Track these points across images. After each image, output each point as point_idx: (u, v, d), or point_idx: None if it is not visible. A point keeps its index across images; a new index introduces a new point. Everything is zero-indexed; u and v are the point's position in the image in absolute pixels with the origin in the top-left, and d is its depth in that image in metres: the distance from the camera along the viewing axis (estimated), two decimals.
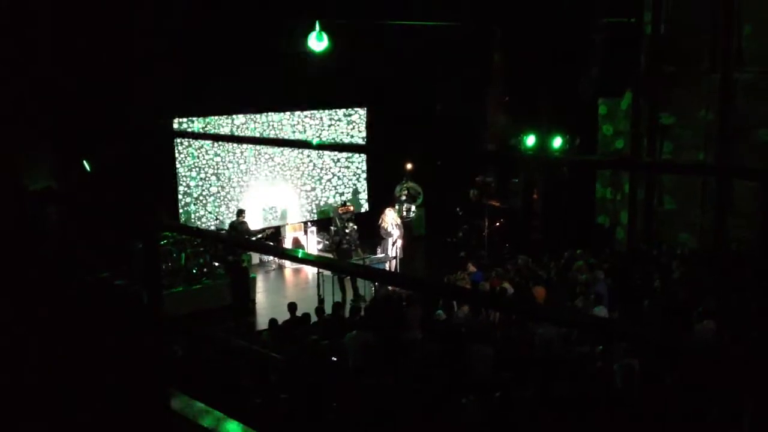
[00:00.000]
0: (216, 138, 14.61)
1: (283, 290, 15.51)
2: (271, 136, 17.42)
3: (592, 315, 8.28)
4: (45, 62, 2.55)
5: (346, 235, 14.96)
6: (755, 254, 13.05)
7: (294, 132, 17.57)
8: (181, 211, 15.90)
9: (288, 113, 17.44)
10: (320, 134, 17.96)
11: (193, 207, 15.95)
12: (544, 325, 8.83)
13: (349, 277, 13.75)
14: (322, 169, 18.37)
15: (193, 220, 15.71)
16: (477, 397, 6.86)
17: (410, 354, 8.54)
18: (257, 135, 17.11)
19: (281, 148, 17.05)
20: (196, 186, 16.16)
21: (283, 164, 17.53)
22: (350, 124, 18.70)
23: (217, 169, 16.46)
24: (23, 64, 2.51)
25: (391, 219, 15.58)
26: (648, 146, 16.31)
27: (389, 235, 15.43)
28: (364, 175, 19.14)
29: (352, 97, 18.07)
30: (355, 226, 15.23)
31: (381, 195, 17.87)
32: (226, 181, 16.60)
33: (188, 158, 16.06)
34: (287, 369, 7.15)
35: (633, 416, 6.76)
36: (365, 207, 18.80)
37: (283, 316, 10.64)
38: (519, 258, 14.32)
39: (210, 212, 16.18)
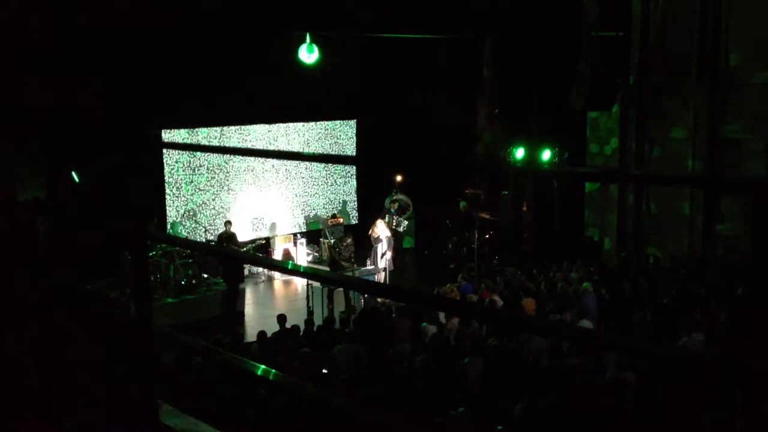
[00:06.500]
0: (205, 149, 14.62)
1: (272, 302, 15.44)
2: (262, 147, 17.39)
3: (579, 327, 8.28)
4: (38, 73, 2.55)
5: (344, 248, 14.90)
6: (745, 262, 13.06)
7: (284, 144, 17.56)
8: (169, 222, 15.85)
9: (278, 125, 17.44)
10: (310, 146, 17.96)
11: (181, 218, 15.89)
12: (533, 337, 8.84)
13: (341, 290, 13.72)
14: (311, 180, 18.36)
15: (181, 232, 15.65)
16: (467, 409, 6.84)
17: (399, 366, 8.52)
18: (247, 146, 17.08)
19: (271, 160, 17.02)
20: (185, 197, 16.11)
21: (273, 175, 17.51)
22: (340, 135, 18.71)
23: (207, 180, 16.41)
24: (16, 75, 2.51)
25: (381, 229, 15.59)
26: (636, 157, 16.38)
27: (379, 241, 15.42)
28: (354, 187, 19.14)
29: (343, 108, 18.10)
30: (350, 239, 15.22)
31: (371, 207, 17.86)
32: (215, 192, 16.55)
33: (177, 169, 16.01)
34: (276, 382, 7.10)
35: (626, 429, 6.75)
36: (355, 219, 18.79)
37: (273, 327, 10.60)
38: (508, 270, 14.32)
39: (198, 223, 16.13)
